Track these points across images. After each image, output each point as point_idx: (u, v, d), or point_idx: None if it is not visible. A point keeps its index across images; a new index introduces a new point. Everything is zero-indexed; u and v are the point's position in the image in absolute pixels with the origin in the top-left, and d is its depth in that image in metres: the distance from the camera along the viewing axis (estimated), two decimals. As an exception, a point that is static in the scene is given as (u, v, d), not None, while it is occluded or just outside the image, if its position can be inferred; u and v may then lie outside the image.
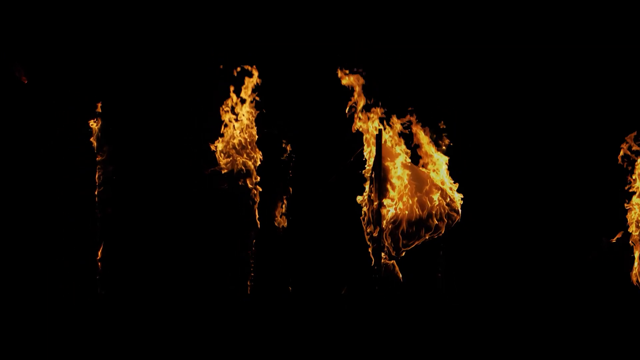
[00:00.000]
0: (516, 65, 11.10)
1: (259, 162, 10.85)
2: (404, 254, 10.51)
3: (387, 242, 10.43)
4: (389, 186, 10.52)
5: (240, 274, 10.73)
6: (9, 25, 10.62)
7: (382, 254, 10.40)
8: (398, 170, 10.55)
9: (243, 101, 10.82)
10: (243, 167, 10.76)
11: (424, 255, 10.71)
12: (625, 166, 10.81)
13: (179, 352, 10.11)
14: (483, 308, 10.65)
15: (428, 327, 10.27)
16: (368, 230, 10.53)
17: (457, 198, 10.63)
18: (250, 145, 10.83)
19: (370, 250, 10.50)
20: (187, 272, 10.64)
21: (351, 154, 10.81)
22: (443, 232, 10.54)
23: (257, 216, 10.81)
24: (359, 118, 10.76)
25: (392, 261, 10.49)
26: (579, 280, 10.85)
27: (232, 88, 10.81)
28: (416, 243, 10.48)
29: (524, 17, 10.98)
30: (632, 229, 10.77)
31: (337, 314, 10.47)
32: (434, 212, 10.50)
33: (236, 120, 10.81)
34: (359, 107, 10.75)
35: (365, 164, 10.79)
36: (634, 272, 10.66)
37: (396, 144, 10.76)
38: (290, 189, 11.06)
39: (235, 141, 10.78)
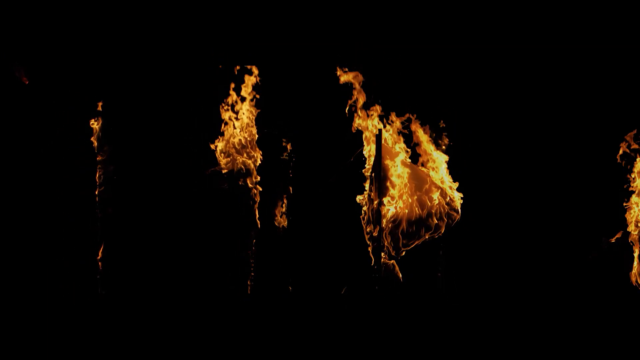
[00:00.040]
0: (515, 65, 11.11)
1: (259, 162, 10.85)
2: (403, 253, 10.51)
3: (386, 242, 10.44)
4: (388, 184, 10.52)
5: (241, 273, 10.73)
6: (9, 26, 10.63)
7: (382, 253, 10.40)
8: (398, 168, 10.54)
9: (243, 99, 10.83)
10: (243, 167, 10.77)
11: (424, 255, 10.71)
12: (624, 164, 10.82)
13: (180, 352, 10.10)
14: (483, 308, 10.65)
15: (428, 326, 10.27)
16: (368, 229, 10.53)
17: (457, 197, 10.63)
18: (250, 144, 10.84)
19: (369, 249, 10.50)
20: (188, 272, 10.64)
21: (351, 154, 10.81)
22: (443, 231, 10.54)
23: (257, 216, 10.82)
24: (359, 116, 10.76)
25: (392, 261, 10.50)
26: (578, 279, 10.86)
27: (232, 85, 10.82)
28: (416, 243, 10.48)
29: (523, 17, 10.99)
30: (631, 228, 10.77)
31: (337, 313, 10.47)
32: (433, 212, 10.50)
33: (236, 119, 10.81)
34: (359, 105, 10.76)
35: (365, 162, 10.79)
36: (633, 272, 10.66)
37: (395, 142, 10.76)
38: (291, 189, 11.07)
39: (235, 140, 10.78)
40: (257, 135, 10.86)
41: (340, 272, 10.89)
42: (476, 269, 10.97)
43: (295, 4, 10.94)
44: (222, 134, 10.80)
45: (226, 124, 10.81)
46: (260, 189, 10.85)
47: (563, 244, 10.98)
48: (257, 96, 10.84)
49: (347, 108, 10.77)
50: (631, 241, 10.72)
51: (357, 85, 10.73)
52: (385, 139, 10.61)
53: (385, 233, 10.44)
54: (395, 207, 10.50)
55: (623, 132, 10.89)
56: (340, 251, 10.94)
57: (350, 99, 10.78)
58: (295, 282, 10.96)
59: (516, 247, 11.02)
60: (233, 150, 10.77)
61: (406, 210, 10.47)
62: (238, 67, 10.80)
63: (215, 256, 10.69)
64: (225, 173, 10.73)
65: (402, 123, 10.81)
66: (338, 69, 10.79)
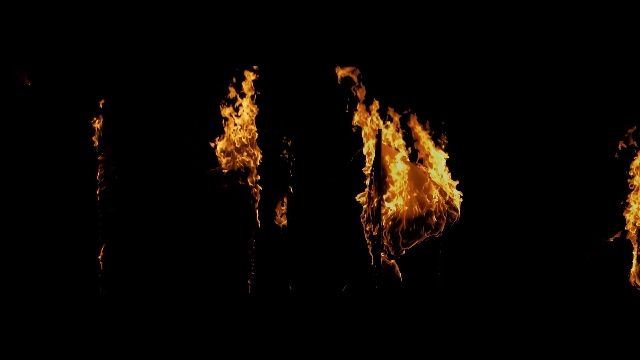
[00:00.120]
0: (514, 64, 11.12)
1: (259, 161, 10.86)
2: (403, 252, 10.52)
3: (386, 241, 10.44)
4: (388, 181, 10.51)
5: (241, 273, 10.74)
6: (10, 26, 10.62)
7: (382, 254, 10.41)
8: (398, 165, 10.54)
9: (243, 95, 10.83)
10: (242, 165, 10.77)
11: (424, 254, 10.73)
12: (619, 158, 10.84)
13: (180, 351, 10.11)
14: (482, 307, 10.67)
15: (428, 326, 10.29)
16: (367, 228, 10.53)
17: (457, 195, 10.64)
18: (250, 142, 10.84)
19: (369, 247, 10.51)
20: (188, 271, 10.65)
21: (351, 154, 10.82)
22: (442, 230, 10.55)
23: (258, 215, 10.82)
24: (355, 110, 10.78)
25: (392, 260, 10.50)
26: (577, 279, 10.88)
27: (234, 80, 10.82)
28: (416, 242, 10.49)
29: (523, 17, 11.01)
30: (629, 226, 10.79)
31: (337, 313, 10.49)
32: (433, 210, 10.51)
33: (237, 116, 10.82)
34: (361, 98, 10.77)
35: (365, 160, 10.80)
36: (632, 273, 10.68)
37: (395, 139, 10.77)
38: (291, 188, 11.07)
39: (236, 139, 10.79)
40: (257, 134, 10.87)
41: (340, 272, 10.90)
42: (476, 269, 10.98)
43: (295, 4, 10.94)
44: (223, 132, 10.81)
45: (226, 120, 10.81)
46: (261, 188, 10.86)
47: (562, 243, 11.00)
48: (259, 92, 10.84)
49: (347, 102, 10.77)
50: (629, 238, 10.74)
51: (355, 79, 10.73)
52: (385, 137, 10.62)
53: (385, 232, 10.44)
54: (396, 205, 10.49)
55: (622, 131, 10.91)
56: (340, 251, 10.94)
57: (350, 94, 10.79)
58: (296, 282, 10.96)
59: (515, 246, 11.03)
60: (233, 148, 10.78)
61: (406, 207, 10.48)
62: (237, 70, 10.83)
63: (215, 256, 10.70)
64: (225, 173, 10.73)
65: (400, 120, 10.81)
66: (337, 68, 10.82)
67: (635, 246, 10.73)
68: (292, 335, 10.21)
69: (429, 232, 10.50)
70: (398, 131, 10.81)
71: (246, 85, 10.85)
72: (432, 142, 10.83)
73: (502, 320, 10.47)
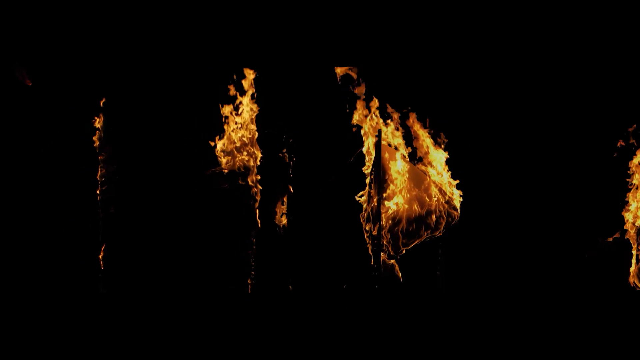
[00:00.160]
0: (514, 64, 11.13)
1: (259, 161, 10.86)
2: (403, 252, 10.53)
3: (385, 240, 10.45)
4: (388, 179, 10.51)
5: (241, 273, 10.74)
6: (10, 26, 10.61)
7: (382, 253, 10.42)
8: (398, 163, 10.54)
9: (243, 93, 10.83)
10: (242, 165, 10.77)
11: (424, 254, 10.74)
12: (617, 157, 10.86)
13: (180, 351, 10.12)
14: (482, 306, 10.69)
15: (428, 326, 10.30)
16: (367, 227, 10.54)
17: (456, 195, 10.65)
18: (250, 142, 10.85)
19: (369, 247, 10.52)
20: (188, 271, 10.65)
21: (351, 154, 10.82)
22: (442, 229, 10.55)
23: (258, 215, 10.83)
24: (355, 108, 10.79)
25: (391, 260, 10.51)
26: (577, 279, 10.89)
27: (234, 77, 10.83)
28: (416, 242, 10.49)
29: (522, 17, 11.02)
30: (628, 226, 10.81)
31: (337, 312, 10.50)
32: (433, 210, 10.52)
33: (237, 114, 10.82)
34: (360, 95, 10.78)
35: (365, 158, 10.80)
36: (631, 272, 10.69)
37: (394, 137, 10.78)
38: (291, 188, 11.08)
39: (236, 137, 10.79)
40: (257, 134, 10.87)
41: (341, 272, 10.91)
42: (476, 268, 10.99)
43: (295, 4, 10.94)
44: (223, 132, 10.81)
45: (227, 117, 10.81)
46: (261, 188, 10.87)
47: (562, 243, 11.01)
48: (259, 91, 10.85)
49: (347, 100, 10.78)
50: (627, 238, 10.76)
51: (354, 75, 10.74)
52: (385, 135, 10.63)
53: (385, 231, 10.45)
54: (396, 204, 10.49)
55: (621, 130, 10.93)
56: (340, 250, 10.95)
57: (350, 93, 10.80)
58: (296, 282, 10.97)
59: (515, 245, 11.04)
60: (233, 147, 10.78)
61: (406, 206, 10.49)
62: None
63: (215, 256, 10.71)
64: (225, 173, 10.73)
65: (400, 118, 10.82)
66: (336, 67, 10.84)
67: (635, 245, 10.74)
68: (292, 335, 10.22)
69: (429, 231, 10.51)
70: (397, 130, 10.82)
71: (246, 83, 10.85)
72: (432, 140, 10.84)
73: (502, 319, 10.48)
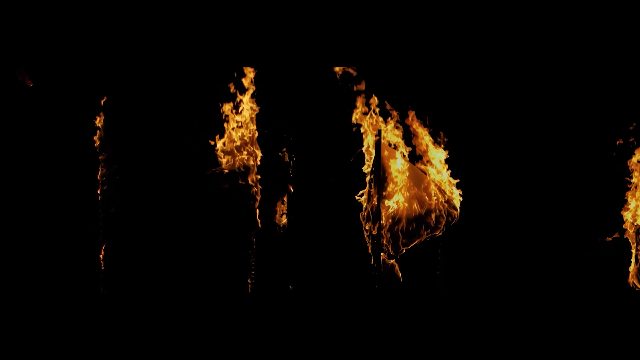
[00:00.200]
0: (513, 64, 11.13)
1: (259, 160, 10.86)
2: (403, 251, 10.53)
3: (385, 240, 10.45)
4: (388, 178, 10.51)
5: (241, 273, 10.75)
6: (11, 26, 10.61)
7: (382, 253, 10.43)
8: (398, 162, 10.54)
9: (243, 91, 10.83)
10: (242, 164, 10.77)
11: (424, 254, 10.74)
12: (616, 156, 10.87)
13: (180, 351, 10.13)
14: (482, 306, 10.70)
15: (428, 325, 10.31)
16: (367, 227, 10.54)
17: (456, 194, 10.66)
18: (250, 141, 10.85)
19: (369, 246, 10.52)
20: (189, 271, 10.66)
21: (351, 153, 10.83)
22: (442, 229, 10.56)
23: (258, 215, 10.84)
24: (355, 107, 10.79)
25: (391, 260, 10.52)
26: (576, 278, 10.91)
27: (235, 74, 10.83)
28: (416, 242, 10.50)
29: (522, 17, 11.02)
30: (627, 225, 10.82)
31: (337, 312, 10.51)
32: (432, 209, 10.52)
33: (237, 113, 10.82)
34: (361, 93, 10.78)
35: (365, 157, 10.81)
36: (630, 273, 10.70)
37: (393, 135, 10.79)
38: (291, 187, 11.08)
39: (236, 136, 10.79)
40: (257, 133, 10.88)
41: (341, 271, 10.91)
42: (475, 268, 11.00)
43: (295, 4, 10.94)
44: (223, 130, 10.82)
45: (227, 116, 10.81)
46: (261, 188, 10.87)
47: (562, 242, 11.02)
48: (259, 90, 10.85)
49: (346, 98, 10.78)
50: (626, 237, 10.76)
51: (353, 72, 10.74)
52: (384, 134, 10.63)
53: (385, 231, 10.45)
54: (396, 202, 10.49)
55: (620, 129, 10.93)
56: (340, 250, 10.96)
57: (350, 92, 10.80)
58: (296, 281, 10.98)
59: (515, 245, 11.05)
60: (233, 146, 10.78)
61: (406, 204, 10.49)
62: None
63: (215, 255, 10.71)
64: (225, 172, 10.74)
65: (399, 116, 10.82)
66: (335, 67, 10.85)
67: (634, 245, 10.75)
68: (292, 334, 10.23)
69: (429, 231, 10.51)
70: (397, 128, 10.83)
71: (246, 81, 10.85)
72: (431, 138, 10.85)
73: (501, 319, 10.50)
